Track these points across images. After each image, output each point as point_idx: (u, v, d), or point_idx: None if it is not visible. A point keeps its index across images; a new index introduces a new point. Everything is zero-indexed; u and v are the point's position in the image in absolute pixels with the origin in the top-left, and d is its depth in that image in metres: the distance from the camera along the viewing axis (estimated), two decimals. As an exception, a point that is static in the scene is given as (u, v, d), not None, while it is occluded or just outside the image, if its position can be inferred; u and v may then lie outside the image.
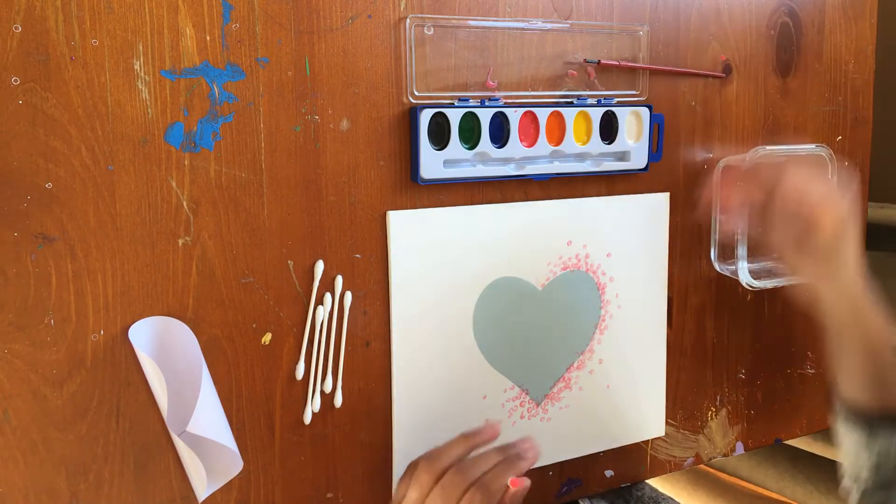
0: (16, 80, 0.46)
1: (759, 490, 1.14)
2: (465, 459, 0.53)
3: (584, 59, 0.64)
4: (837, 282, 0.59)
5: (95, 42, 0.48)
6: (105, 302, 0.50)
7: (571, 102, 0.63)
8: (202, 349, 0.52)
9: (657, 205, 0.70)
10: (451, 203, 0.60)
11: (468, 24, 0.59)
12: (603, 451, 0.71)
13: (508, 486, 0.52)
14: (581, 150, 0.64)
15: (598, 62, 0.64)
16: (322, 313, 0.56)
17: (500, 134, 0.61)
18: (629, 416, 0.71)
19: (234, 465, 0.53)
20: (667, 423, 0.74)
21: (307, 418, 0.57)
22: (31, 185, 0.47)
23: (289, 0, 0.53)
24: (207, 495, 0.52)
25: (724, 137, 0.73)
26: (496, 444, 0.55)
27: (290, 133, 0.54)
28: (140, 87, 0.49)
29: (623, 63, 0.65)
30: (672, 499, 0.75)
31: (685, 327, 0.74)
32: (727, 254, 0.73)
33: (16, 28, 0.46)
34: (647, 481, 0.77)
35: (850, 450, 0.63)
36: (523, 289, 0.64)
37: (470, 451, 0.54)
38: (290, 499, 0.57)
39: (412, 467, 0.53)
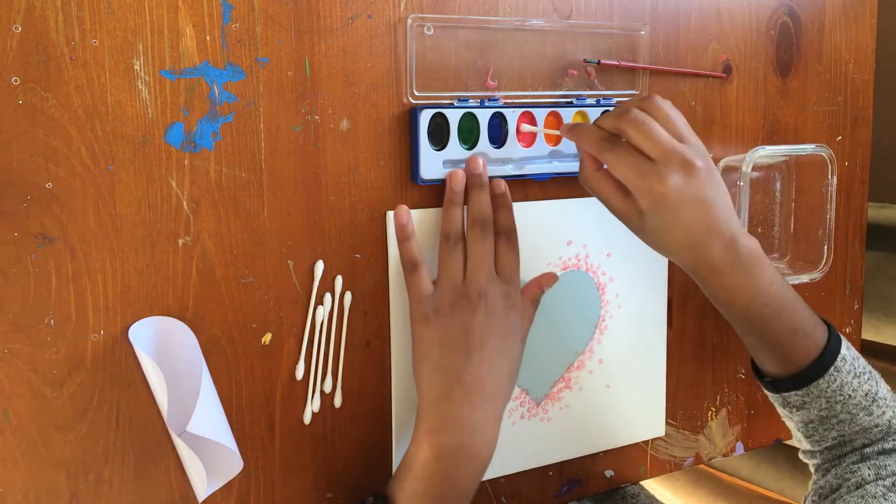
0: (16, 80, 0.46)
1: (759, 490, 1.14)
2: (468, 212, 0.58)
3: (584, 59, 0.64)
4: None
5: (95, 42, 0.48)
6: (105, 302, 0.50)
7: (571, 102, 0.63)
8: (202, 349, 0.52)
9: (657, 205, 0.69)
10: (451, 203, 0.60)
11: (468, 24, 0.59)
12: (603, 451, 0.71)
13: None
14: (581, 150, 0.63)
15: (598, 62, 0.64)
16: (322, 313, 0.56)
17: (498, 134, 0.61)
18: (629, 416, 0.71)
19: (234, 465, 0.53)
20: (667, 423, 0.74)
21: (307, 418, 0.57)
22: (31, 185, 0.47)
23: (289, 0, 0.53)
24: (207, 495, 0.52)
25: (724, 137, 0.73)
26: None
27: (290, 133, 0.54)
28: (140, 87, 0.49)
29: (623, 63, 0.65)
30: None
31: (685, 327, 0.74)
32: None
33: (16, 28, 0.46)
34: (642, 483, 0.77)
35: (787, 420, 0.66)
36: (523, 289, 0.64)
37: (461, 207, 0.58)
38: (290, 499, 0.57)
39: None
